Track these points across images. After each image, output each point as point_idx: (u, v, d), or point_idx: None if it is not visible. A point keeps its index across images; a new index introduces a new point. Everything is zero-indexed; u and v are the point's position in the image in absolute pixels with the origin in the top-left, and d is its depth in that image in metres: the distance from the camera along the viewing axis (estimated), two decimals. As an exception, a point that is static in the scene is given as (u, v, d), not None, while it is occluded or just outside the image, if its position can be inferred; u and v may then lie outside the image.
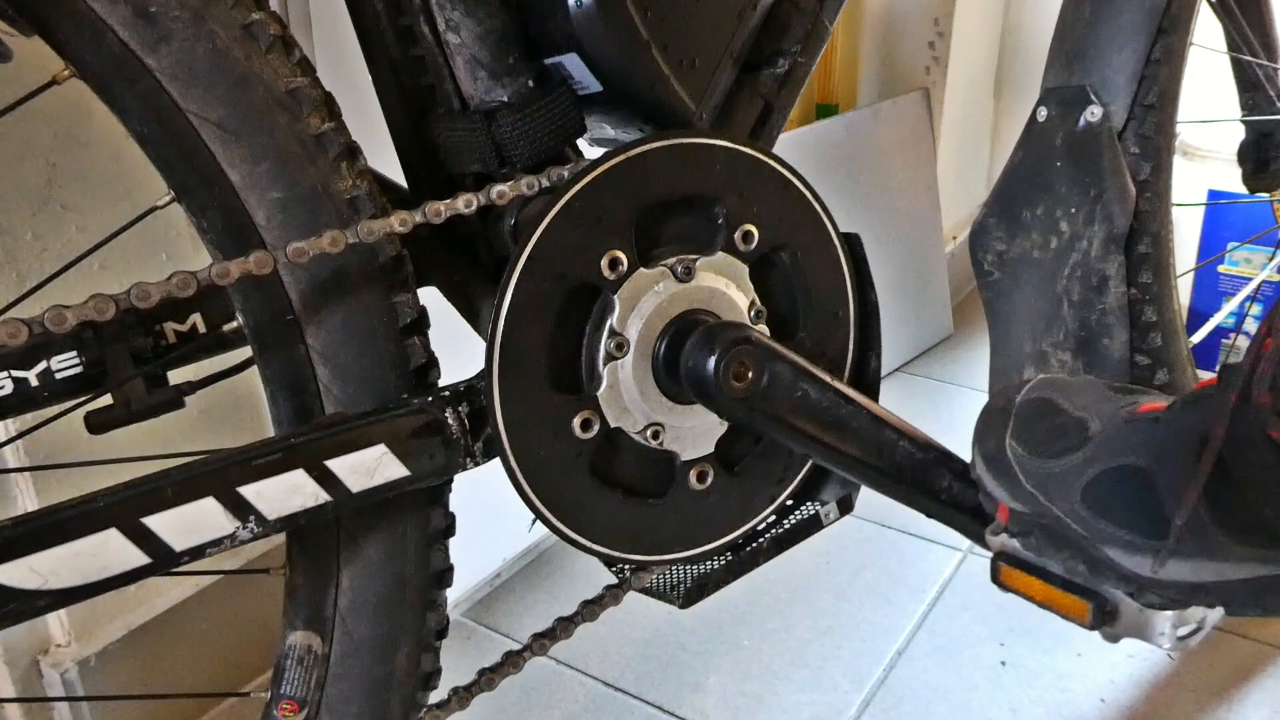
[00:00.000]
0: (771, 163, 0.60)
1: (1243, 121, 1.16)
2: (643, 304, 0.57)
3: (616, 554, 0.60)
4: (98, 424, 0.56)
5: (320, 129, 0.51)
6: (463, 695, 0.62)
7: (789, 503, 0.68)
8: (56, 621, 0.88)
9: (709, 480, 0.62)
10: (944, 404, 1.59)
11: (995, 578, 0.63)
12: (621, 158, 0.55)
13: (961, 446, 0.67)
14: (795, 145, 1.48)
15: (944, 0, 1.70)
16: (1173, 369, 0.90)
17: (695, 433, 0.61)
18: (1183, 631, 0.57)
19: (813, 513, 0.68)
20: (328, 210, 0.52)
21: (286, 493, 0.50)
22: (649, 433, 0.59)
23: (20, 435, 0.67)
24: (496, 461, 0.56)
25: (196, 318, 0.59)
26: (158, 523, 0.47)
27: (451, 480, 0.57)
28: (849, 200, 1.56)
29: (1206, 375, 0.64)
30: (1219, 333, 1.61)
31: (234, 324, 0.60)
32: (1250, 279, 1.59)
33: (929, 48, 1.73)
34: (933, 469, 0.64)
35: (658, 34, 0.57)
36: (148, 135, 0.49)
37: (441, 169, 0.61)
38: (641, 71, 0.58)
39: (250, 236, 0.51)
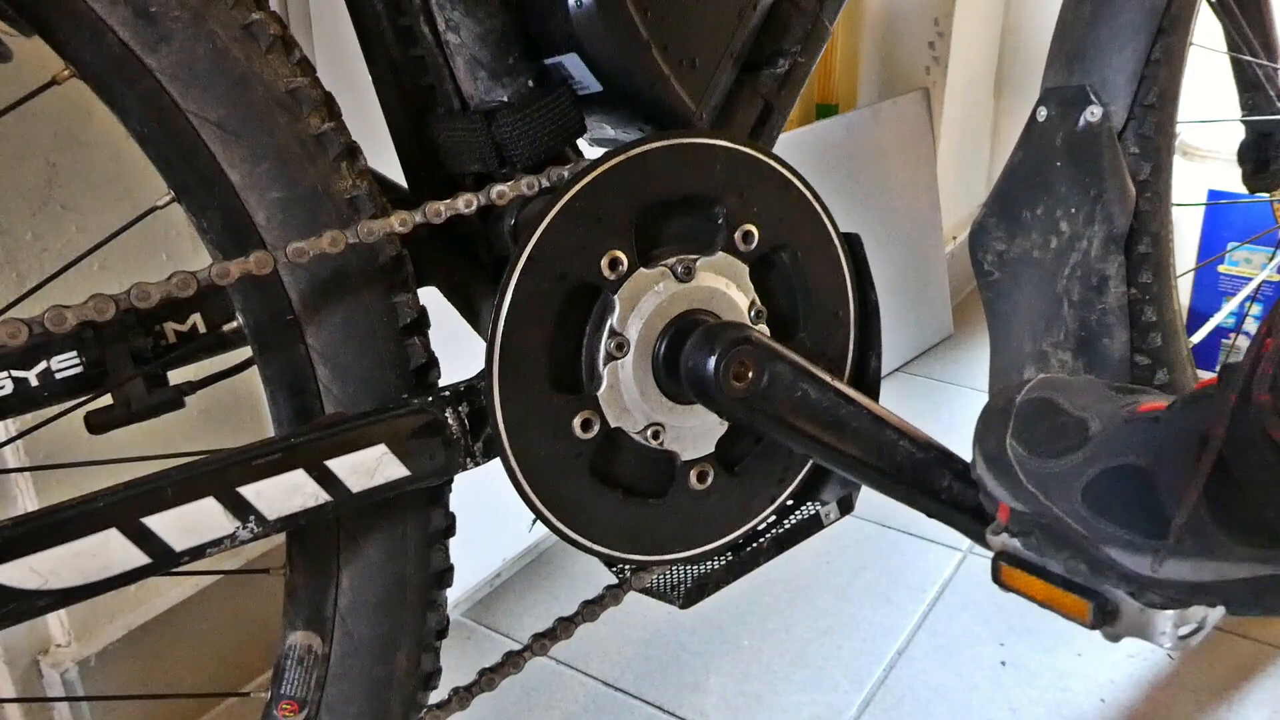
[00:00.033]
0: (771, 163, 0.60)
1: (1243, 121, 1.16)
2: (643, 304, 0.57)
3: (617, 554, 0.60)
4: (98, 424, 0.56)
5: (320, 129, 0.51)
6: (463, 695, 0.62)
7: (789, 503, 0.68)
8: (56, 621, 0.88)
9: (709, 480, 0.62)
10: (944, 404, 1.59)
11: (996, 577, 0.63)
12: (621, 158, 0.55)
13: (962, 446, 0.67)
14: (795, 145, 1.48)
15: (944, 0, 1.70)
16: (1173, 369, 0.90)
17: (695, 433, 0.61)
18: (1184, 631, 0.57)
19: (813, 513, 0.68)
20: (328, 210, 0.51)
21: (286, 493, 0.50)
22: (649, 433, 0.59)
23: (20, 435, 0.67)
24: (496, 461, 0.56)
25: (196, 318, 0.59)
26: (158, 523, 0.47)
27: (452, 480, 0.57)
28: (849, 200, 1.56)
29: (1206, 375, 0.64)
30: (1219, 333, 1.61)
31: (234, 324, 0.60)
32: (1250, 279, 1.59)
33: (929, 48, 1.73)
34: (933, 469, 0.64)
35: (658, 34, 0.57)
36: (148, 135, 0.49)
37: (441, 169, 0.61)
38: (641, 71, 0.58)
39: (250, 236, 0.51)
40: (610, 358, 0.57)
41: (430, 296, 0.60)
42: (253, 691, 0.98)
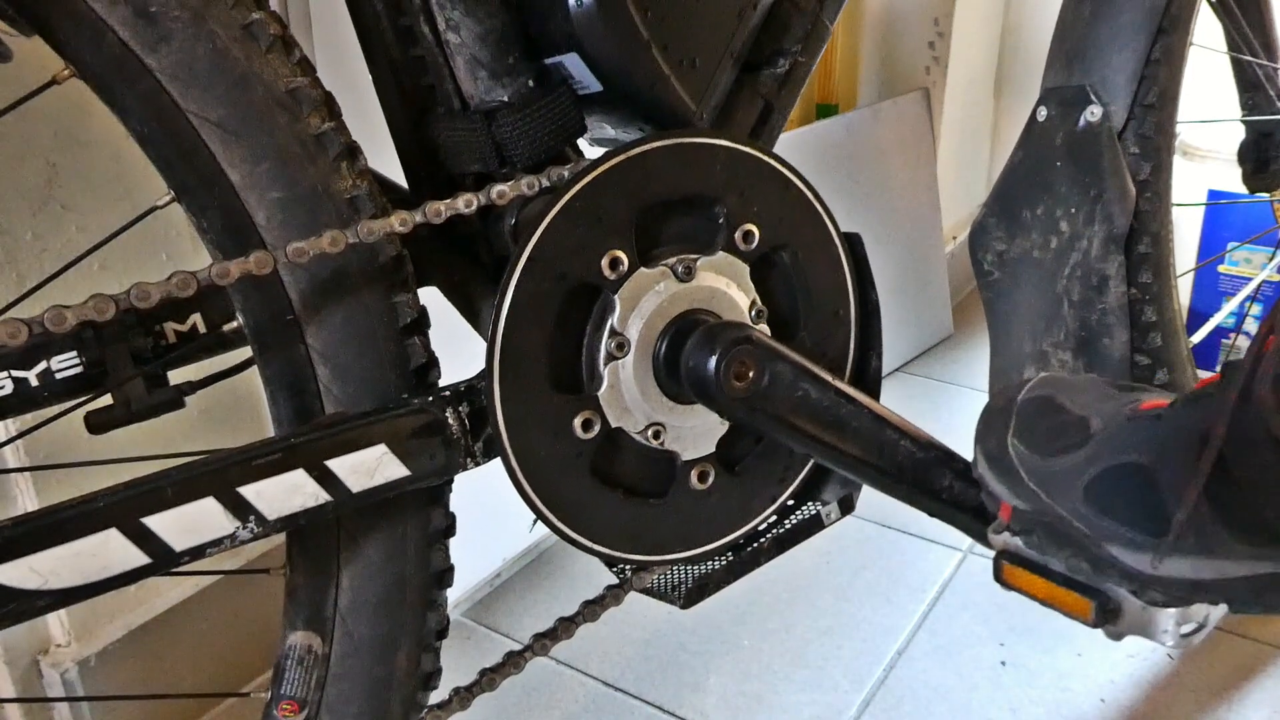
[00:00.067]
0: (772, 162, 0.60)
1: (1243, 121, 1.16)
2: (643, 304, 0.57)
3: (617, 554, 0.60)
4: (98, 424, 0.56)
5: (320, 129, 0.51)
6: (464, 695, 0.62)
7: (790, 503, 0.68)
8: (56, 621, 0.88)
9: (710, 480, 0.62)
10: (944, 404, 1.59)
11: (998, 576, 0.63)
12: (622, 157, 0.55)
13: (962, 446, 0.67)
14: (795, 145, 1.48)
15: (944, 0, 1.70)
16: (1173, 369, 0.90)
17: (696, 433, 0.61)
18: (1186, 629, 0.56)
19: (814, 512, 0.68)
20: (328, 210, 0.51)
21: (287, 493, 0.50)
22: (650, 433, 0.59)
23: (20, 435, 0.67)
24: (496, 461, 0.56)
25: (197, 318, 0.59)
26: (158, 523, 0.47)
27: (452, 480, 0.57)
28: (849, 200, 1.56)
29: (1206, 375, 0.64)
30: (1219, 333, 1.61)
31: (234, 324, 0.60)
32: (1250, 279, 1.59)
33: (929, 48, 1.73)
34: (935, 468, 0.64)
35: (658, 34, 0.57)
36: (148, 135, 0.49)
37: (442, 169, 0.61)
38: (642, 71, 0.58)
39: (250, 236, 0.51)
40: (611, 357, 0.57)
41: (430, 296, 0.60)
42: (253, 691, 0.98)
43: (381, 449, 0.52)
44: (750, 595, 1.12)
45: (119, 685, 0.90)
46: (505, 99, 0.57)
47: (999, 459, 0.61)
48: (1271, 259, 1.54)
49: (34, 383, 0.55)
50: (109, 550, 0.46)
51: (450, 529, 0.60)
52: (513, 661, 0.63)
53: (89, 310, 0.46)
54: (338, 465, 0.51)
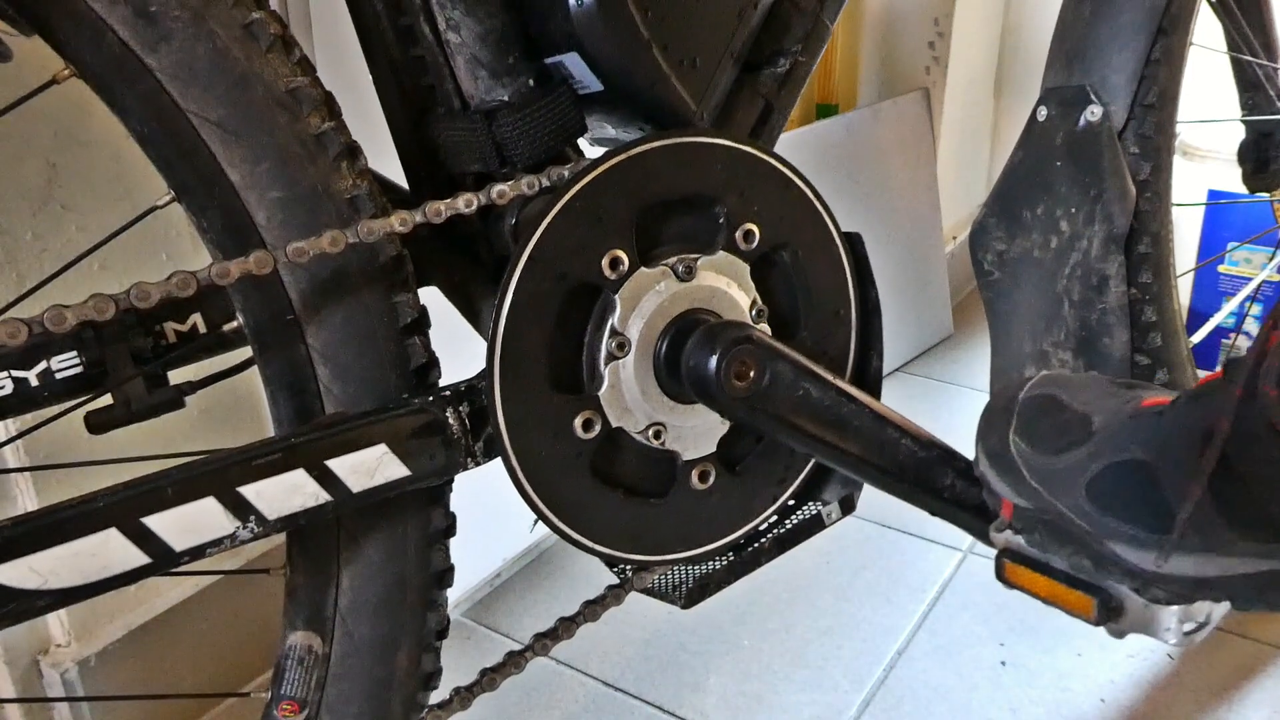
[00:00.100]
0: (772, 161, 0.60)
1: (1243, 121, 1.16)
2: (644, 303, 0.57)
3: (618, 554, 0.60)
4: (98, 424, 0.56)
5: (320, 128, 0.51)
6: (464, 695, 0.62)
7: (791, 503, 0.68)
8: (56, 621, 0.88)
9: (711, 480, 0.62)
10: (944, 404, 1.59)
11: (1000, 575, 0.63)
12: (622, 157, 0.55)
13: (963, 447, 0.67)
14: (795, 145, 1.48)
15: (944, 0, 1.70)
16: (1173, 369, 0.90)
17: (697, 432, 0.61)
18: (1188, 627, 0.56)
19: (815, 512, 0.68)
20: (328, 210, 0.51)
21: (287, 492, 0.50)
22: (650, 432, 0.59)
23: (20, 435, 0.67)
24: (496, 461, 0.56)
25: (197, 318, 0.59)
26: (158, 523, 0.47)
27: (452, 480, 0.57)
28: (849, 200, 1.56)
29: (1206, 375, 0.63)
30: (1219, 333, 1.61)
31: (234, 324, 0.59)
32: (1250, 279, 1.59)
33: (929, 48, 1.73)
34: (936, 467, 0.64)
35: (658, 33, 0.57)
36: (148, 135, 0.49)
37: (442, 169, 0.61)
38: (642, 71, 0.58)
39: (250, 236, 0.51)
40: (611, 357, 0.57)
41: (431, 296, 0.60)
42: (253, 692, 0.97)
43: (382, 449, 0.52)
44: (750, 595, 1.12)
45: (119, 685, 0.90)
46: (505, 99, 0.57)
47: (1001, 457, 0.61)
48: (1271, 259, 1.54)
49: (34, 383, 0.55)
50: (109, 550, 0.46)
51: (450, 529, 0.60)
52: (514, 661, 0.63)
53: (89, 310, 0.46)
54: (338, 465, 0.51)
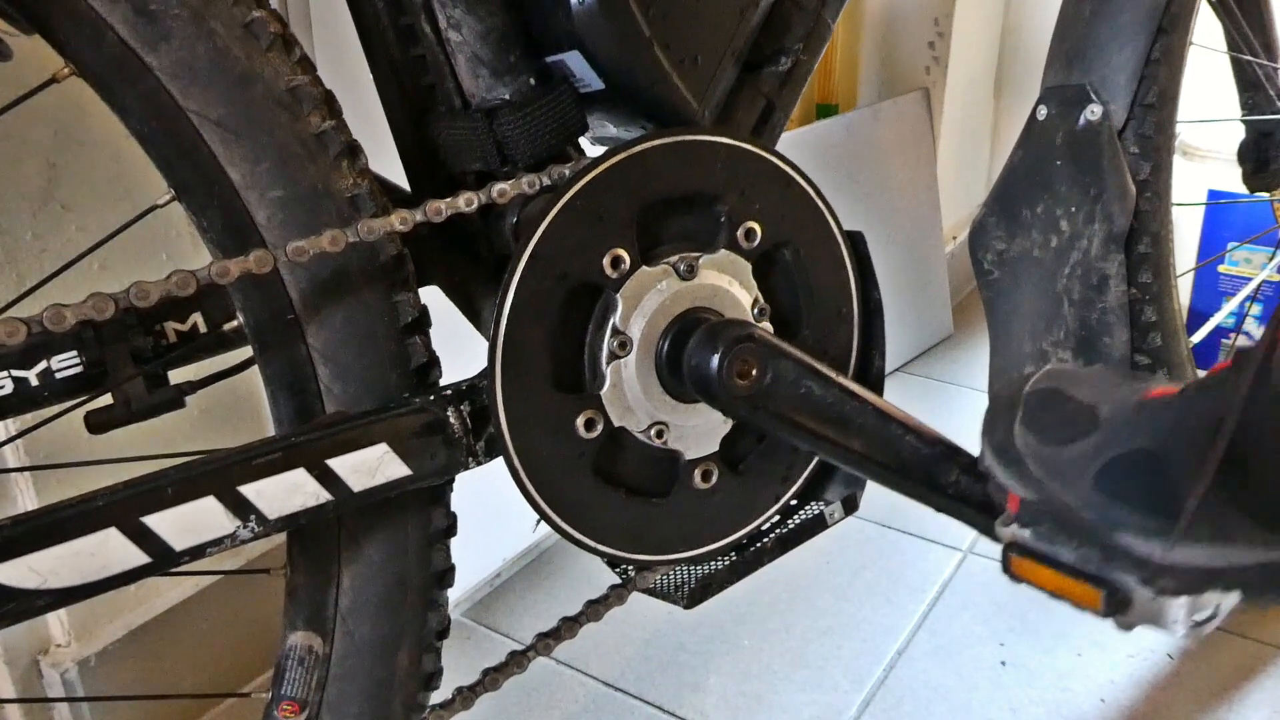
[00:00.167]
0: (774, 160, 0.60)
1: (1243, 121, 1.16)
2: (645, 302, 0.57)
3: (621, 554, 0.60)
4: (98, 424, 0.56)
5: (321, 127, 0.51)
6: (466, 695, 0.62)
7: (793, 502, 0.67)
8: (56, 621, 0.88)
9: (713, 479, 0.62)
10: (944, 404, 1.59)
11: (1006, 569, 0.63)
12: (623, 155, 0.55)
13: (964, 447, 0.67)
14: (795, 145, 1.48)
15: (944, 0, 1.70)
16: (1173, 369, 0.90)
17: (699, 431, 0.61)
18: (1197, 618, 0.56)
19: (817, 512, 0.68)
20: (328, 209, 0.51)
21: (287, 492, 0.50)
22: (653, 432, 0.59)
23: (20, 435, 0.67)
24: (496, 461, 0.56)
25: (197, 317, 0.58)
26: (157, 522, 0.47)
27: (453, 480, 0.57)
28: (849, 200, 1.56)
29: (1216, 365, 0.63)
30: (1219, 333, 1.61)
31: (234, 323, 0.59)
32: (1250, 279, 1.59)
33: (929, 48, 1.73)
34: (940, 463, 0.64)
35: (659, 32, 0.57)
36: (148, 134, 0.49)
37: (443, 168, 0.61)
38: (643, 69, 0.58)
39: (250, 235, 0.51)
40: (613, 356, 0.57)
41: (431, 295, 0.60)
42: (253, 692, 0.97)
43: (383, 448, 0.52)
44: (750, 595, 1.12)
45: (119, 685, 0.90)
46: (506, 97, 0.57)
47: (1006, 450, 0.61)
48: (1271, 259, 1.54)
49: (34, 382, 0.55)
50: (109, 550, 0.46)
51: (451, 529, 0.59)
52: (516, 661, 0.63)
53: (88, 309, 0.46)
54: (339, 464, 0.51)
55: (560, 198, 0.54)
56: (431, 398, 0.54)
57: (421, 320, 0.56)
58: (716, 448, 0.62)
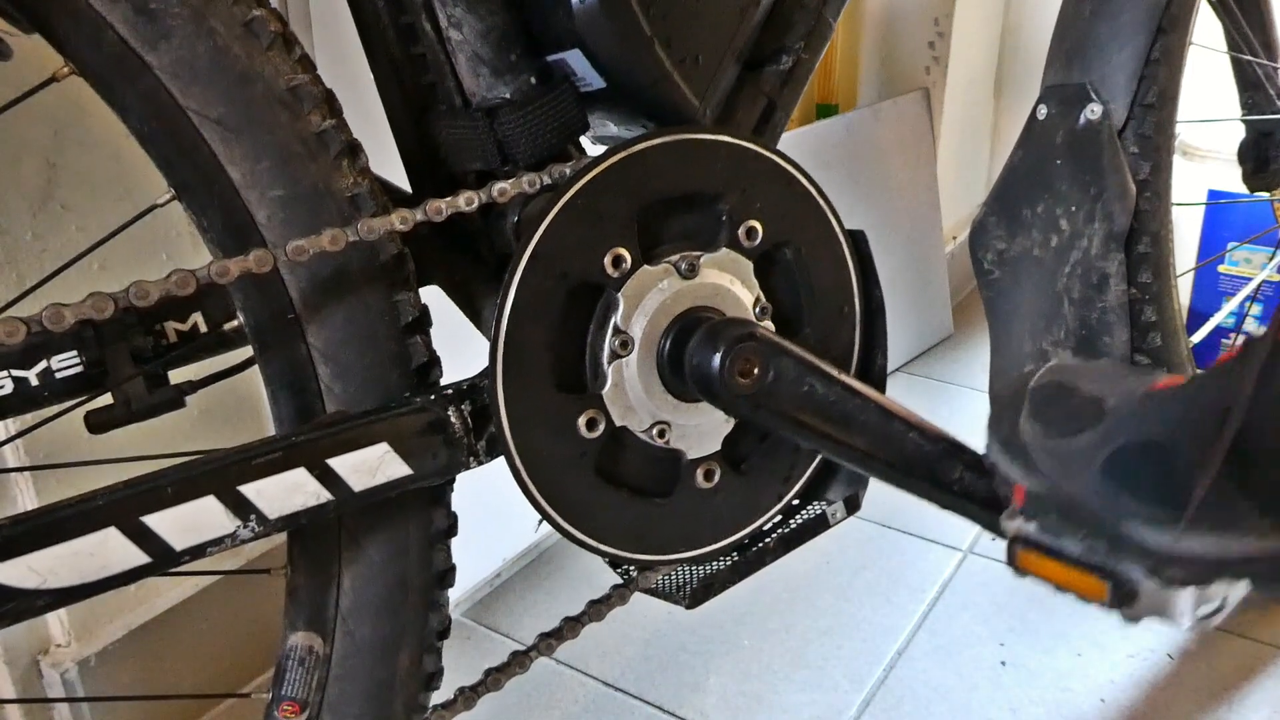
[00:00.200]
0: (775, 158, 0.60)
1: (1243, 121, 1.16)
2: (647, 301, 0.57)
3: (622, 554, 0.60)
4: (98, 424, 0.56)
5: (321, 126, 0.51)
6: (468, 695, 0.62)
7: (796, 502, 0.67)
8: (56, 621, 0.88)
9: (715, 479, 0.62)
10: (944, 404, 1.59)
11: (1012, 562, 0.63)
12: (624, 154, 0.55)
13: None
14: (795, 145, 1.48)
15: (944, 0, 1.70)
16: (1172, 368, 0.90)
17: (701, 431, 0.61)
18: (1204, 610, 0.55)
19: (820, 512, 0.68)
20: (329, 208, 0.51)
21: (288, 492, 0.50)
22: (655, 431, 0.59)
23: (20, 435, 0.67)
24: (496, 461, 0.55)
25: (197, 317, 0.58)
26: (158, 522, 0.47)
27: (454, 480, 0.57)
28: (849, 200, 1.56)
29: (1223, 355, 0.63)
30: (1219, 333, 1.61)
31: (235, 323, 0.59)
32: (1250, 279, 1.59)
33: (929, 48, 1.73)
34: (944, 460, 0.64)
35: (660, 30, 0.57)
36: (148, 133, 0.49)
37: (443, 167, 0.61)
38: (644, 68, 0.58)
39: (251, 235, 0.51)
40: (614, 356, 0.57)
41: (432, 295, 0.60)
42: (253, 692, 0.97)
43: (383, 448, 0.52)
44: (750, 595, 1.12)
45: (119, 685, 0.90)
46: (507, 96, 0.57)
47: (1012, 443, 0.61)
48: (1271, 259, 1.54)
49: (34, 382, 0.54)
50: (108, 549, 0.46)
51: (452, 529, 0.59)
52: (518, 661, 0.63)
53: (88, 309, 0.46)
54: (339, 464, 0.51)
55: (561, 197, 0.53)
56: (432, 397, 0.54)
57: (422, 320, 0.56)
58: (719, 447, 0.62)
